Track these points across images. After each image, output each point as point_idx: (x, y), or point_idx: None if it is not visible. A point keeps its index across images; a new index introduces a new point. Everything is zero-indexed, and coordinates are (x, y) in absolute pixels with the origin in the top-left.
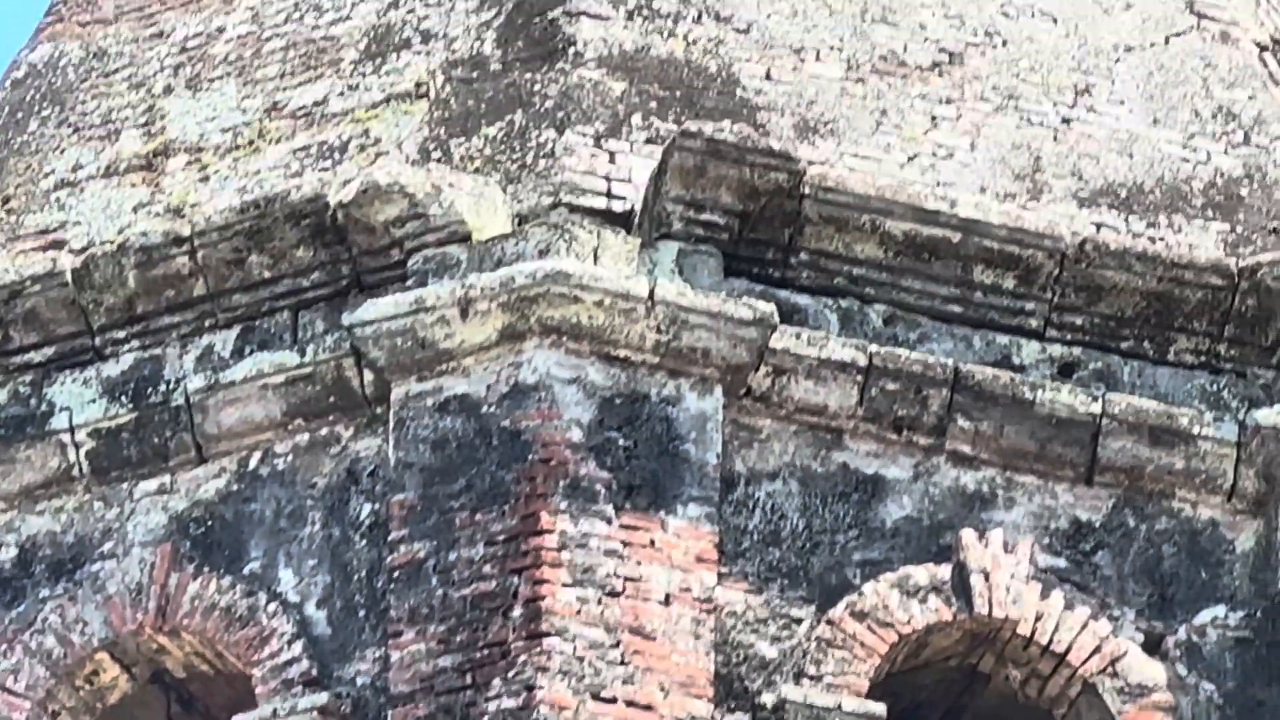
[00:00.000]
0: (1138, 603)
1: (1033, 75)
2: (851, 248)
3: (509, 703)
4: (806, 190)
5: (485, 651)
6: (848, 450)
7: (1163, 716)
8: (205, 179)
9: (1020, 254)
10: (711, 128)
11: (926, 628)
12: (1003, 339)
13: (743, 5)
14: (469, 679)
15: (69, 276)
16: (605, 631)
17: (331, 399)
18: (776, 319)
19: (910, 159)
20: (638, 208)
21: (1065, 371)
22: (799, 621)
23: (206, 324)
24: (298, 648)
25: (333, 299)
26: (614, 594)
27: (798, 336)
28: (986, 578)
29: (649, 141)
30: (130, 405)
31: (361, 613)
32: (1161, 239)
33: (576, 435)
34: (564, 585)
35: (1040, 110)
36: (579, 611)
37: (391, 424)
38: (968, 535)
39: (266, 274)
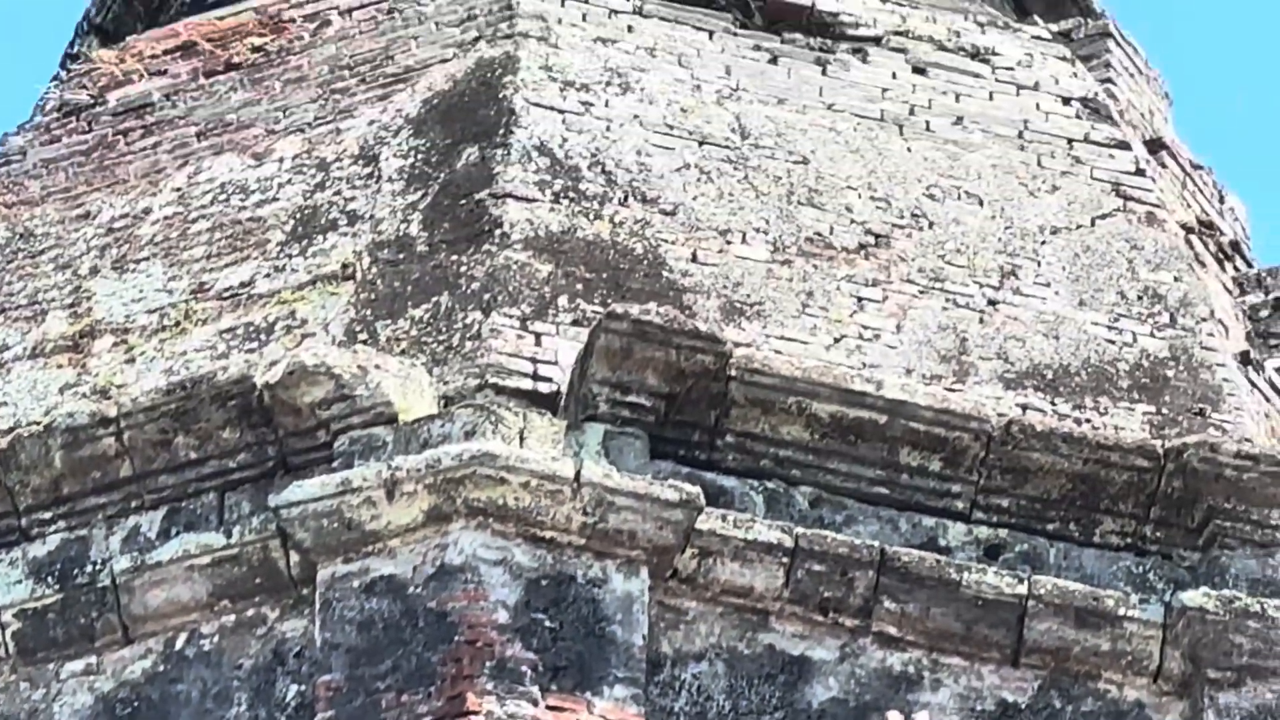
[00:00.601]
0: None
1: (959, 257)
2: (777, 429)
3: None
4: (732, 372)
5: None
6: (774, 632)
7: None
8: (131, 360)
9: (946, 436)
10: (637, 309)
11: None
12: (929, 521)
13: (669, 187)
14: None
15: None
16: None
17: (258, 580)
18: (702, 501)
19: (836, 341)
20: (564, 389)
21: (991, 553)
22: None
23: (133, 505)
24: None
25: (259, 480)
26: None
27: (724, 518)
28: None
29: (575, 323)
30: (56, 586)
31: None
32: (1087, 421)
33: (503, 616)
34: None
35: (966, 292)
36: None
37: (318, 605)
38: (894, 717)
39: (193, 455)
